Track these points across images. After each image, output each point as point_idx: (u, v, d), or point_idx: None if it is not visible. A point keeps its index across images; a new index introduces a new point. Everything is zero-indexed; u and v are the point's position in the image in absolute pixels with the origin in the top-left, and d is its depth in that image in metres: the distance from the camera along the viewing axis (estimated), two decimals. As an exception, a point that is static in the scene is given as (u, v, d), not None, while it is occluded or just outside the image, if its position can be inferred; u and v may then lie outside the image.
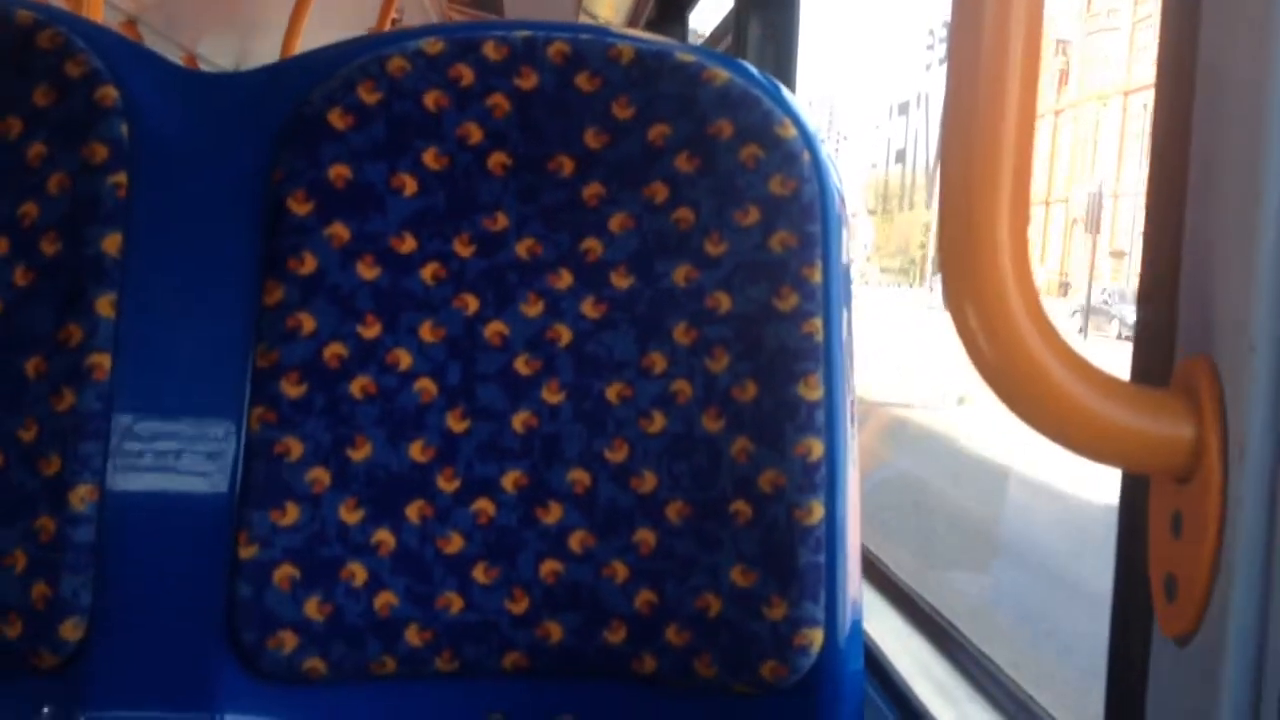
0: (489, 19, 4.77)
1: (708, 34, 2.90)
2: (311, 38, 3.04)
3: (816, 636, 0.98)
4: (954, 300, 0.62)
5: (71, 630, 0.96)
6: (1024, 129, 0.61)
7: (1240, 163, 0.60)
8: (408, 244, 1.02)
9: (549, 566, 1.01)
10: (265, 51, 5.01)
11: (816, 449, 0.99)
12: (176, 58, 5.44)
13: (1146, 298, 0.69)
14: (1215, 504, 0.59)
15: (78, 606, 0.96)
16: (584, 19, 3.95)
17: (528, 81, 1.03)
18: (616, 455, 1.01)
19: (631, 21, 3.78)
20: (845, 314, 1.03)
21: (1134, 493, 0.69)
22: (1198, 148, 0.64)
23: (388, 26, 3.73)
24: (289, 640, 0.98)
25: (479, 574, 1.00)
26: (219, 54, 5.69)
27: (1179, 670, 0.62)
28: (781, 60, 2.00)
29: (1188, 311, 0.64)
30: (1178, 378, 0.64)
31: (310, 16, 3.50)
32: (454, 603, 1.00)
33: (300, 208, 1.01)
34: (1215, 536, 0.58)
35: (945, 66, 0.65)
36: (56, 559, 0.96)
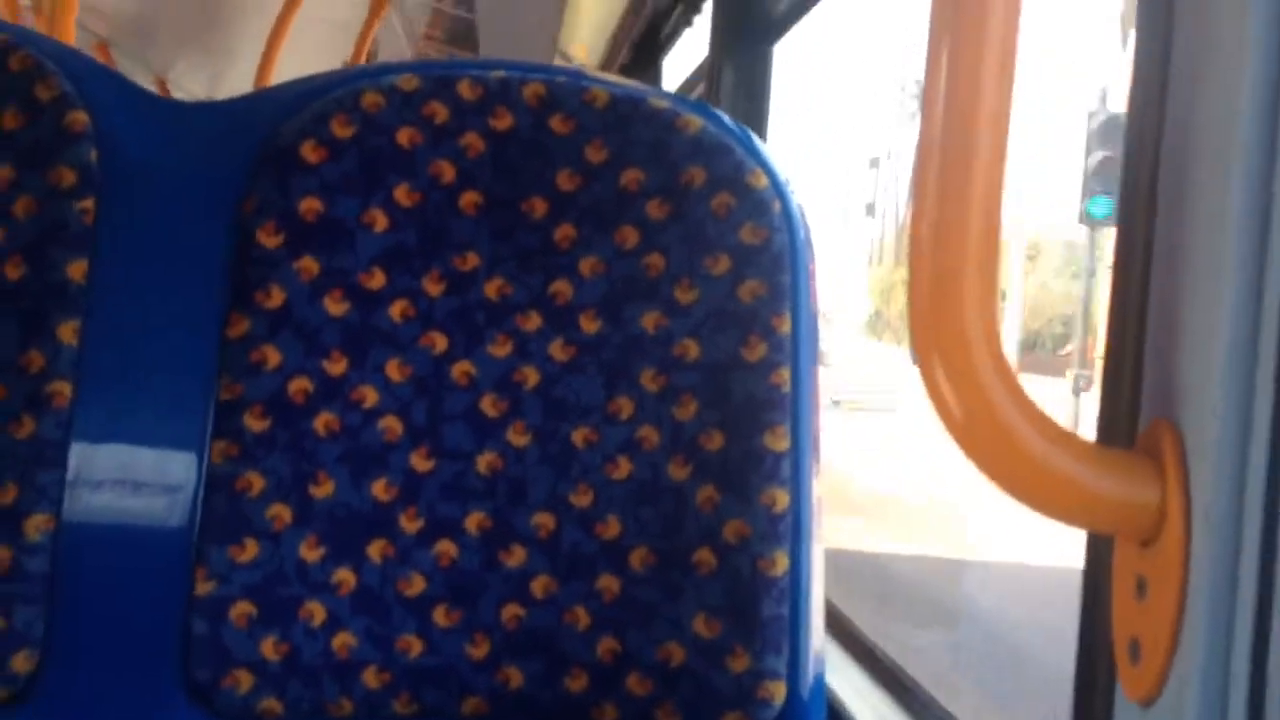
0: (465, 57, 4.79)
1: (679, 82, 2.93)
2: (285, 69, 3.04)
3: (779, 689, 0.97)
4: (923, 361, 0.62)
5: (23, 663, 0.94)
6: (992, 189, 0.61)
7: (1205, 228, 0.61)
8: (377, 280, 1.02)
9: (510, 611, 1.00)
10: (238, 79, 5.00)
11: (782, 500, 0.99)
12: (148, 82, 5.42)
13: (1112, 361, 0.69)
14: (1178, 567, 0.59)
15: (30, 638, 0.94)
16: (559, 61, 3.98)
17: (502, 122, 1.03)
18: (581, 500, 1.01)
19: (605, 66, 3.81)
20: (813, 365, 1.03)
21: (1098, 555, 0.69)
22: (1163, 213, 0.65)
23: (363, 61, 3.74)
24: (244, 679, 0.96)
25: (439, 616, 0.99)
26: (191, 80, 5.68)
27: None
28: (754, 109, 2.02)
29: (1152, 375, 0.65)
30: (1142, 441, 0.64)
31: (286, 49, 3.50)
32: (414, 645, 0.99)
33: (270, 240, 1.00)
34: (1178, 600, 0.59)
35: (917, 124, 0.66)
36: (9, 590, 0.94)
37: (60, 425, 0.96)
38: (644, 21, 3.26)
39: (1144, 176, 0.67)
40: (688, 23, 3.05)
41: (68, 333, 0.97)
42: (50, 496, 0.96)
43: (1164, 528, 0.60)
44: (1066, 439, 0.62)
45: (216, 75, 5.56)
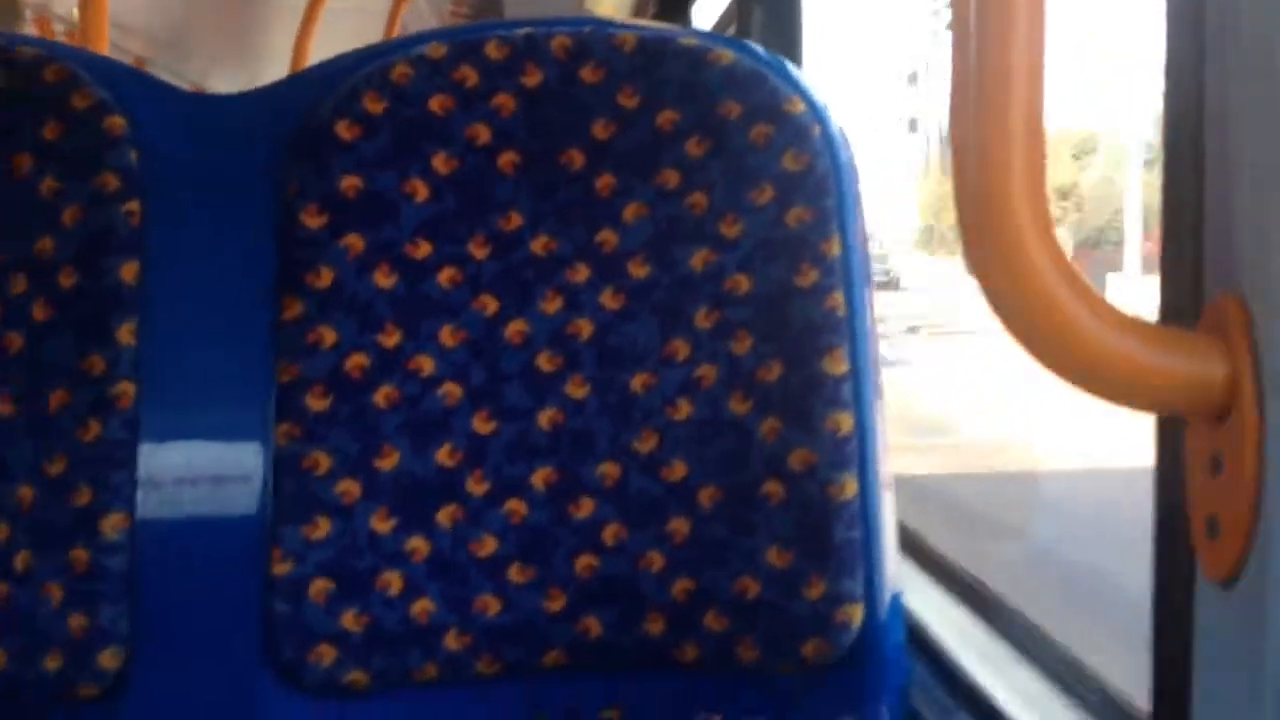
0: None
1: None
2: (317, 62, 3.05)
3: (856, 613, 0.97)
4: (974, 253, 0.61)
5: (111, 659, 0.96)
6: (1034, 67, 0.60)
7: (1258, 96, 0.59)
8: (423, 250, 1.02)
9: (584, 561, 1.00)
10: (273, 79, 5.03)
11: (846, 424, 0.98)
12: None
13: (1171, 237, 0.67)
14: (1253, 442, 0.57)
15: (116, 635, 0.97)
16: (587, 22, 3.95)
17: (532, 78, 1.03)
18: (645, 445, 1.01)
19: (634, 16, 3.78)
20: (867, 286, 1.02)
21: (1169, 435, 0.68)
22: (1215, 80, 0.63)
23: None
24: (328, 653, 0.98)
25: (514, 574, 1.00)
26: (228, 88, 5.74)
27: (1225, 613, 0.60)
28: (786, 44, 1.99)
29: (1214, 249, 0.63)
30: (1207, 317, 0.62)
31: (317, 42, 3.51)
32: (491, 605, 1.00)
33: (313, 221, 1.01)
34: (1255, 475, 0.57)
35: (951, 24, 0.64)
36: (92, 589, 0.96)
37: (126, 425, 0.98)
38: (668, -27, 3.23)
39: (1192, 42, 0.65)
40: (713, -31, 3.00)
41: (126, 334, 0.99)
42: (123, 495, 0.98)
43: (1235, 403, 0.59)
44: (1128, 323, 0.60)
45: (252, 79, 5.60)
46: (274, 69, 4.63)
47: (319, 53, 3.41)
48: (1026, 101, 0.60)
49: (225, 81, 5.61)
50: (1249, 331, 0.59)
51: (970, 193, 0.60)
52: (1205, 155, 0.64)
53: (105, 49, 2.49)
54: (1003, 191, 0.59)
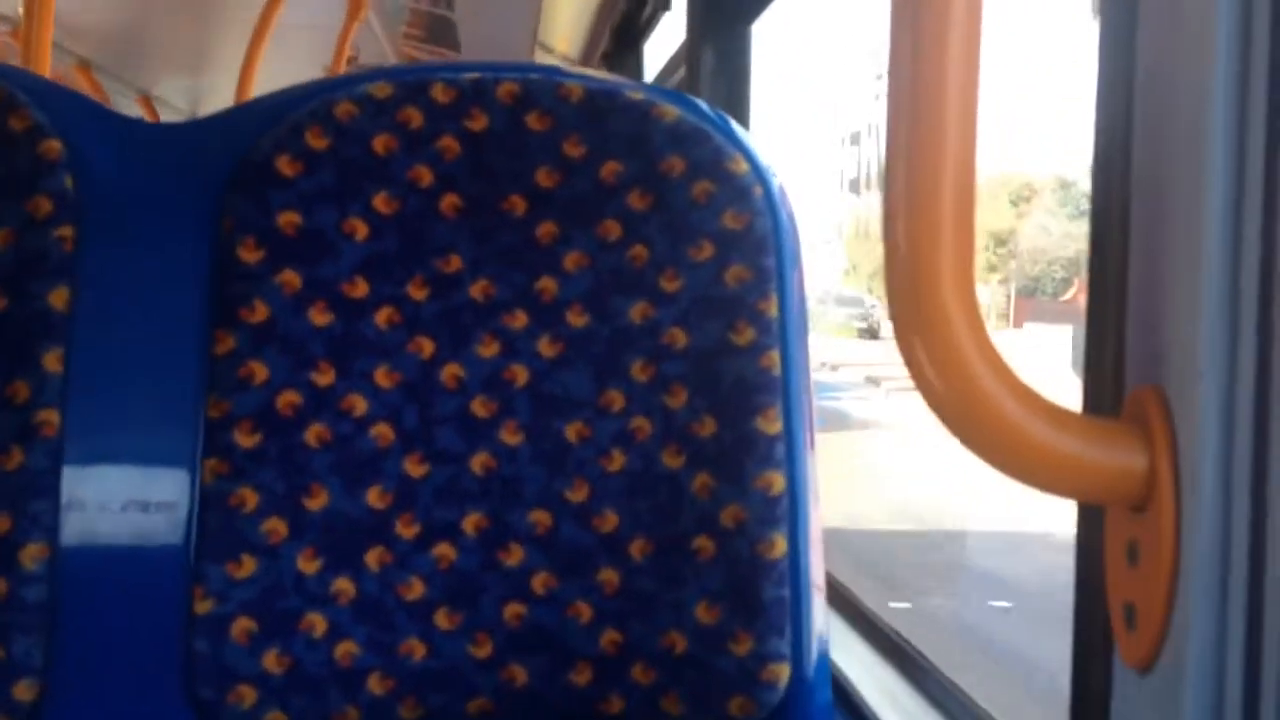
0: (446, 55, 4.78)
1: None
2: (266, 76, 3.04)
3: (783, 671, 0.97)
4: (902, 335, 0.62)
5: (24, 692, 0.94)
6: (965, 162, 0.61)
7: (1184, 188, 0.60)
8: (360, 289, 1.01)
9: (512, 609, 1.00)
10: (222, 91, 4.99)
11: (777, 483, 0.99)
12: (132, 100, 5.41)
13: (1095, 327, 0.69)
14: (1170, 532, 0.59)
15: (30, 667, 0.94)
16: (540, 52, 3.97)
17: (477, 123, 1.03)
18: (577, 495, 1.01)
19: (587, 54, 3.80)
20: (802, 346, 1.03)
21: (1090, 522, 0.69)
22: (1140, 175, 0.65)
23: (343, 65, 3.73)
24: (248, 694, 0.96)
25: (441, 619, 0.99)
26: (175, 95, 5.67)
27: (1141, 699, 0.62)
28: (734, 92, 2.01)
29: (1136, 341, 0.65)
30: (1128, 408, 0.64)
31: (267, 57, 3.49)
32: (416, 649, 0.99)
33: (250, 255, 1.00)
34: (1171, 565, 0.58)
35: (886, 99, 0.65)
36: (8, 620, 0.94)
37: (50, 454, 0.96)
38: (622, 8, 3.25)
39: (1118, 140, 0.67)
40: (665, 6, 3.04)
41: (52, 361, 0.97)
42: (44, 525, 0.96)
43: (1153, 493, 0.60)
44: (1051, 411, 0.62)
45: (201, 88, 5.55)
46: (223, 81, 4.59)
47: (269, 67, 3.39)
48: (957, 171, 0.61)
49: (173, 91, 5.55)
50: (1168, 422, 0.60)
51: (900, 278, 0.61)
52: (1130, 245, 0.65)
53: (48, 49, 2.46)
54: (932, 279, 0.60)
